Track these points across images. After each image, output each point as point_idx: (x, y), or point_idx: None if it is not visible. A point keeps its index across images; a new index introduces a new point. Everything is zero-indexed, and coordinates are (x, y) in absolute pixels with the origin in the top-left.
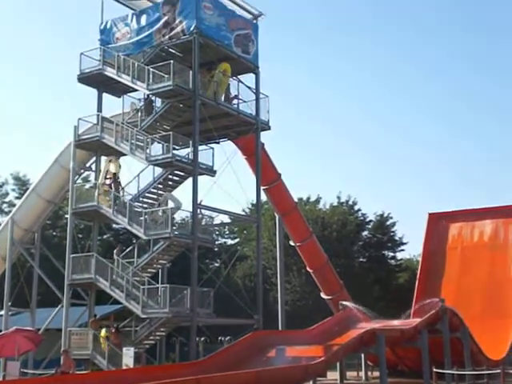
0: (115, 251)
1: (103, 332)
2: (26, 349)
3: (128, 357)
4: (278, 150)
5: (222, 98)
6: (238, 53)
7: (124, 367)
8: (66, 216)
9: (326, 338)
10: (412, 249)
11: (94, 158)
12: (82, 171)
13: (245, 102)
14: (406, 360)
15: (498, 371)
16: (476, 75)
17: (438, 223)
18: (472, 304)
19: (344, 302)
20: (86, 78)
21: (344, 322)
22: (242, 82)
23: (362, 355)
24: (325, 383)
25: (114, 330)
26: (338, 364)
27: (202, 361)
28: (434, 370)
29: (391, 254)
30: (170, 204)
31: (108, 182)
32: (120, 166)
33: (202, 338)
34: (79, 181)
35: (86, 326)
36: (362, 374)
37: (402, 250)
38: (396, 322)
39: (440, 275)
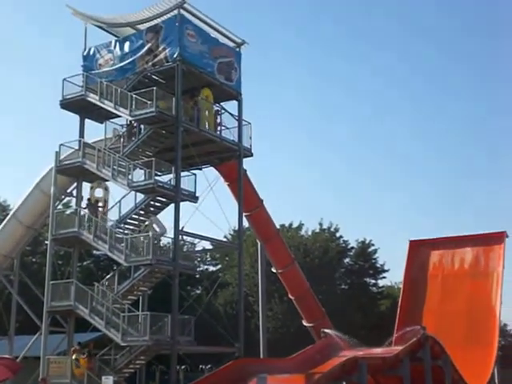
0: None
1: (74, 356)
2: (4, 377)
3: None
4: (260, 177)
5: (207, 125)
6: (220, 80)
7: None
8: (46, 242)
9: (307, 366)
10: (393, 276)
11: (75, 184)
12: (63, 197)
13: (227, 128)
14: None
15: None
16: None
17: (418, 250)
18: (453, 332)
19: (326, 330)
20: (68, 104)
21: (326, 350)
22: (224, 109)
23: (344, 383)
24: None
25: (86, 355)
26: None
27: None
28: None
29: (373, 281)
30: (156, 228)
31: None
32: (107, 189)
33: (183, 367)
34: (60, 206)
35: (64, 354)
36: None
37: (384, 277)
38: (378, 350)
39: (421, 303)
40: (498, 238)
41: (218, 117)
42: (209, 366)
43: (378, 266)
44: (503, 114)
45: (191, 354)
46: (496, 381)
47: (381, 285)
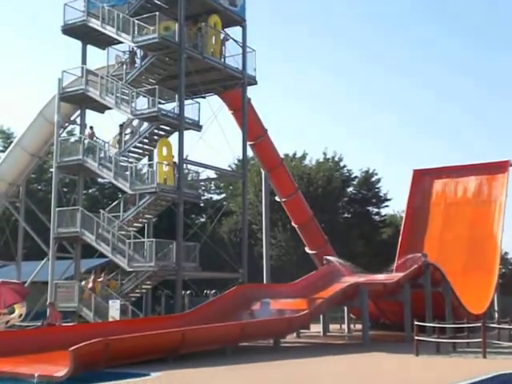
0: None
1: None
2: (13, 301)
3: (114, 309)
4: (264, 106)
5: (211, 52)
6: (224, 5)
7: (110, 319)
8: (51, 170)
9: (309, 292)
10: (396, 205)
11: (79, 112)
12: (67, 125)
13: (232, 56)
14: (388, 313)
15: (479, 325)
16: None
17: (422, 179)
18: (454, 259)
19: (328, 257)
20: (70, 30)
21: (328, 277)
22: (229, 36)
23: (345, 308)
24: (308, 335)
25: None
26: (321, 317)
27: (187, 313)
28: (416, 323)
29: (375, 209)
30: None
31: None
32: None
33: (188, 292)
34: (64, 134)
35: (72, 278)
36: (345, 326)
37: (387, 206)
38: (379, 277)
39: (423, 231)
40: (501, 166)
41: (223, 44)
42: (213, 291)
43: (381, 195)
44: None
45: (196, 279)
46: (496, 308)
47: (383, 213)
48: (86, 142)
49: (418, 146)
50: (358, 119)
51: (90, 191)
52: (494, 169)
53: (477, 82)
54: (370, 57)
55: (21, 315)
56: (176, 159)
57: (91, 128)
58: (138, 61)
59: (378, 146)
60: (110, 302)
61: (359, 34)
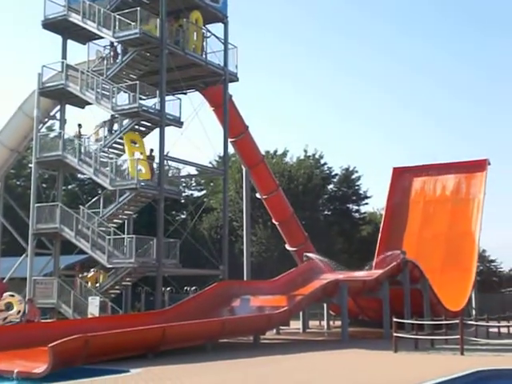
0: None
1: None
2: None
3: (93, 306)
4: (245, 103)
5: (194, 49)
6: (206, 1)
7: (89, 316)
8: (30, 165)
9: (289, 289)
10: (376, 202)
11: (59, 107)
12: (46, 120)
13: (213, 52)
14: (367, 310)
15: (457, 322)
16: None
17: (402, 177)
18: (433, 257)
19: (308, 254)
20: (50, 24)
21: (308, 273)
22: (210, 32)
23: (325, 305)
24: (288, 332)
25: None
26: (301, 313)
27: (167, 310)
28: (394, 319)
29: (355, 207)
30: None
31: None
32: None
33: (168, 288)
34: (43, 130)
35: (51, 275)
36: (324, 323)
37: (366, 204)
38: (359, 273)
39: (402, 228)
40: (480, 165)
41: (205, 40)
42: (194, 287)
43: (361, 192)
44: None
45: (176, 276)
46: (473, 305)
47: (363, 211)
48: (75, 141)
49: (402, 141)
50: (340, 115)
51: (70, 187)
52: (472, 167)
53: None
54: (360, 45)
55: (19, 311)
56: (156, 155)
57: (79, 126)
58: (118, 56)
59: (360, 144)
60: (90, 298)
61: (344, 16)
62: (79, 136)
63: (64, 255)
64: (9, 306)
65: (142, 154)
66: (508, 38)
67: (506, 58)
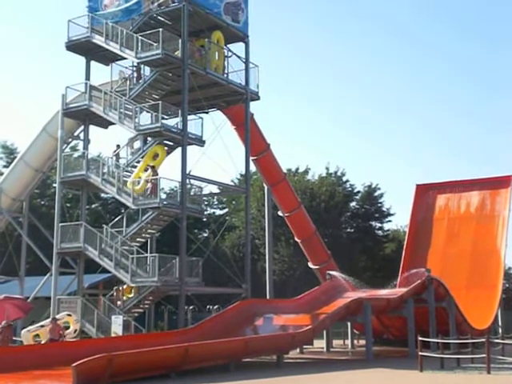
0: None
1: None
2: (16, 316)
3: (117, 325)
4: (267, 121)
5: (215, 69)
6: (227, 21)
7: (113, 335)
8: (54, 185)
9: (313, 307)
10: (399, 220)
11: (82, 127)
12: (70, 140)
13: (235, 71)
14: (391, 329)
15: (483, 340)
16: (466, 43)
17: (425, 194)
18: (458, 274)
19: (331, 272)
20: (73, 46)
21: (331, 292)
22: (231, 51)
23: (349, 324)
24: (311, 351)
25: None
26: (324, 332)
27: (190, 329)
28: (420, 338)
29: (378, 224)
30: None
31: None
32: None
33: (191, 307)
34: (67, 150)
35: (75, 294)
36: (349, 342)
37: (390, 221)
38: (382, 292)
39: (426, 246)
40: (504, 181)
41: (226, 59)
42: (216, 306)
43: (384, 209)
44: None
45: (199, 294)
46: (499, 323)
47: (386, 228)
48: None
49: (423, 159)
50: (362, 135)
51: (93, 206)
52: (497, 183)
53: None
54: (380, 67)
55: (76, 330)
56: (179, 174)
57: (118, 146)
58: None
59: (382, 161)
60: (113, 317)
61: (366, 39)
62: (117, 155)
63: (88, 274)
64: (67, 326)
65: (149, 166)
66: None
67: None
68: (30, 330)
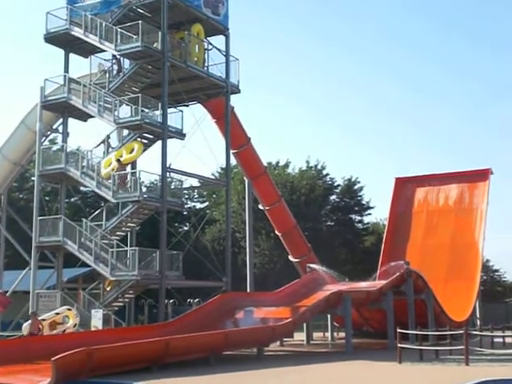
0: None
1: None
2: None
3: (97, 319)
4: (248, 114)
5: (194, 61)
6: (207, 14)
7: (93, 329)
8: (33, 178)
9: (293, 300)
10: (379, 213)
11: (61, 120)
12: (49, 133)
13: (215, 64)
14: (371, 321)
15: (461, 332)
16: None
17: (404, 187)
18: (436, 267)
19: (311, 265)
20: (52, 38)
21: (311, 284)
22: (211, 45)
23: (329, 316)
24: (292, 344)
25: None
26: (304, 325)
27: (170, 322)
28: (398, 330)
29: (358, 217)
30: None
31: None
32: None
33: (171, 301)
34: (46, 143)
35: (54, 288)
36: (329, 334)
37: (369, 214)
38: (362, 284)
39: (405, 238)
40: (482, 174)
41: (206, 52)
42: (197, 299)
43: (364, 203)
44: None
45: (179, 288)
46: (477, 315)
47: (366, 221)
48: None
49: (402, 152)
50: (341, 128)
51: (73, 200)
52: (475, 177)
53: (478, 84)
54: (358, 60)
55: (75, 324)
56: (159, 167)
57: (108, 137)
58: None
59: (362, 154)
60: (93, 311)
61: (348, 36)
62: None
63: (67, 268)
64: (65, 319)
65: (116, 160)
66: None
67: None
68: (45, 318)
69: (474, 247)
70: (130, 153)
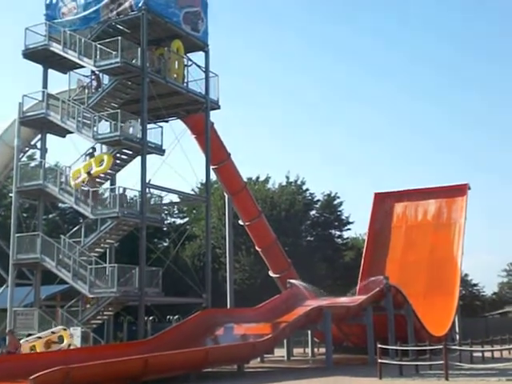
0: None
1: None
2: None
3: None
4: (227, 130)
5: (175, 78)
6: (186, 30)
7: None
8: (11, 195)
9: (273, 316)
10: (358, 228)
11: (40, 136)
12: (27, 149)
13: (194, 80)
14: (351, 336)
15: (441, 347)
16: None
17: (383, 203)
18: (416, 282)
19: (291, 280)
20: (31, 54)
21: (291, 300)
22: (191, 61)
23: (309, 332)
24: (272, 360)
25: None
26: (285, 341)
27: (150, 340)
28: (379, 345)
29: (338, 232)
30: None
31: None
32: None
33: (151, 317)
34: (24, 159)
35: (31, 306)
36: (309, 350)
37: (349, 229)
38: (342, 299)
39: (385, 253)
40: (460, 190)
41: (186, 68)
42: (176, 316)
43: (343, 218)
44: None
45: (159, 305)
46: (457, 329)
47: (346, 236)
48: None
49: (380, 168)
50: (320, 144)
51: (51, 216)
52: (453, 192)
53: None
54: (331, 82)
55: (69, 345)
56: (138, 183)
57: (93, 149)
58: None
59: (341, 170)
60: (71, 329)
61: (318, 60)
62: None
63: (45, 285)
64: (61, 340)
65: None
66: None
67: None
68: (40, 336)
69: (453, 262)
70: (100, 165)
